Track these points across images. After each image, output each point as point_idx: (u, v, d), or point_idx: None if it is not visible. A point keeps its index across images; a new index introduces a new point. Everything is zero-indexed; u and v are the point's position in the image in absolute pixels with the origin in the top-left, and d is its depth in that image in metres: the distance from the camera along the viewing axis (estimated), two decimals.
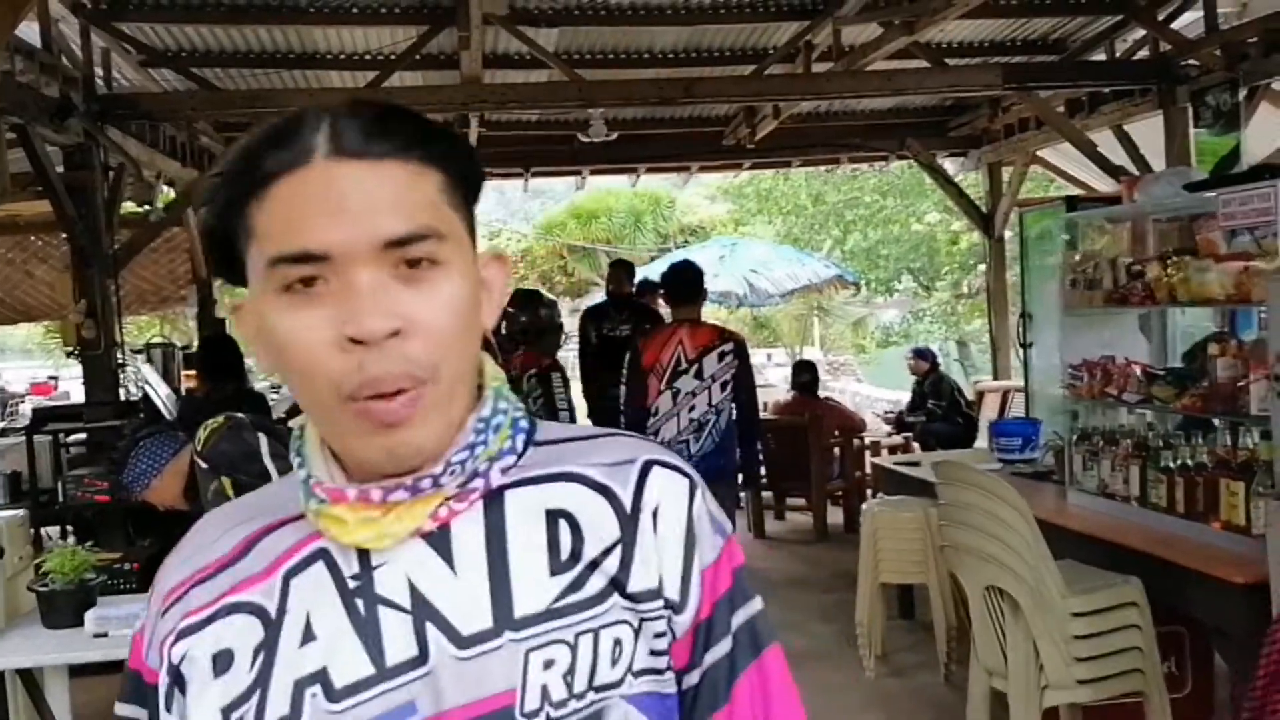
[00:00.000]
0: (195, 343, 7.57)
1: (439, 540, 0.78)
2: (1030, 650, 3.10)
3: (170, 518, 5.01)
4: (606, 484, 0.81)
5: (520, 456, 0.81)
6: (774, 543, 7.22)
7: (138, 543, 4.91)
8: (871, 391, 13.87)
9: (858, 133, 8.65)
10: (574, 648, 0.76)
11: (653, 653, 0.78)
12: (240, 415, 2.83)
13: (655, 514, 0.80)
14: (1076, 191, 8.25)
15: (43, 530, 4.80)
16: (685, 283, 4.62)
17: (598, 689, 0.76)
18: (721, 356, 4.47)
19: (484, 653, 0.75)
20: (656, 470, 0.81)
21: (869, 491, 7.72)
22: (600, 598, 0.77)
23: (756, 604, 0.83)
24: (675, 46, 6.92)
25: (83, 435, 5.38)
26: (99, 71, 5.72)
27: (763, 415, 8.08)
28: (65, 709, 3.37)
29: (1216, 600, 3.00)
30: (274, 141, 0.74)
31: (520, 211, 26.77)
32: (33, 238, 7.42)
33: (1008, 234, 8.99)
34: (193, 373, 6.37)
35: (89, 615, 3.00)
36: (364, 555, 0.78)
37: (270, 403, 6.03)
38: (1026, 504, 3.14)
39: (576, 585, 0.77)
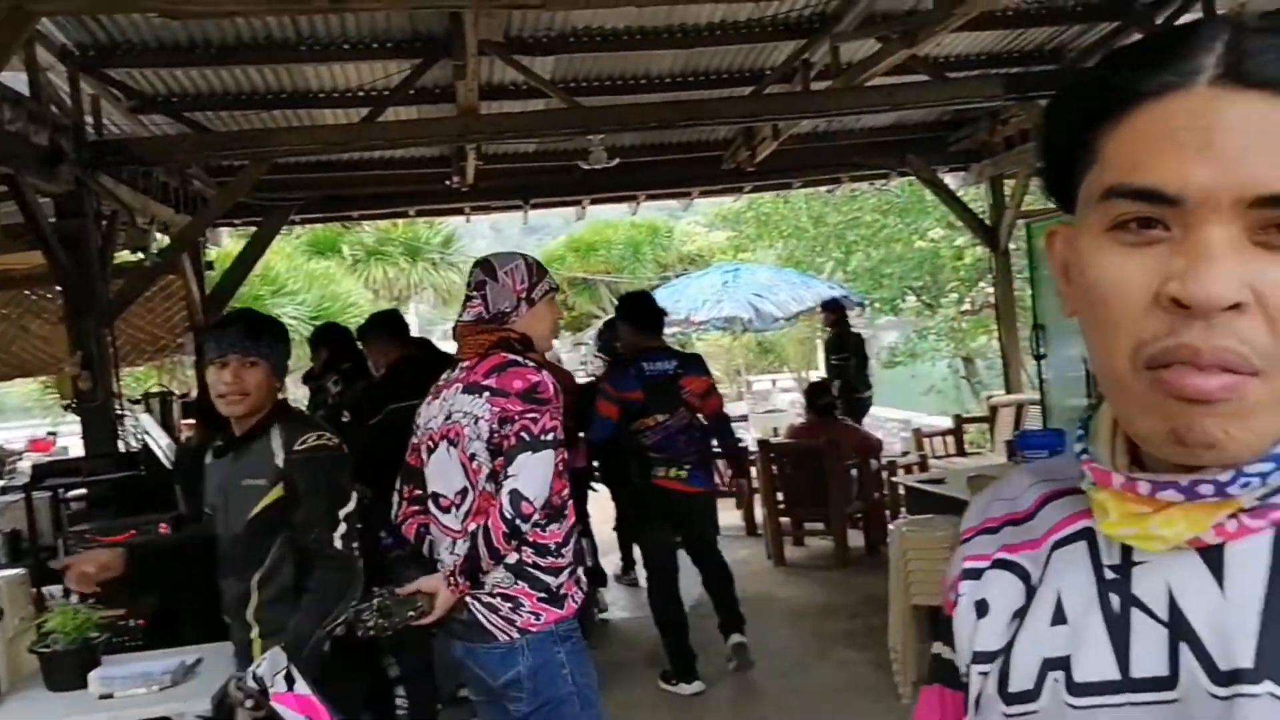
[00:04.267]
0: (194, 391, 7.45)
1: (1213, 554, 0.66)
2: None
3: (177, 571, 4.87)
4: None
5: None
6: (794, 570, 7.06)
7: (143, 598, 4.75)
8: (879, 411, 13.72)
9: (857, 151, 8.57)
10: None
11: None
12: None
13: None
14: None
15: (45, 589, 4.65)
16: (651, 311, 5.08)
17: None
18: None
19: (1238, 695, 0.62)
20: None
21: (888, 513, 7.59)
22: None
23: None
24: (672, 70, 6.84)
25: (83, 490, 5.24)
26: (89, 119, 5.64)
27: (778, 439, 8.00)
28: None
29: None
30: (1154, 54, 0.63)
31: (518, 248, 26.77)
32: (27, 291, 7.31)
33: (1013, 246, 8.89)
34: (192, 421, 6.24)
35: (93, 676, 2.87)
36: (1126, 546, 0.69)
37: None
38: None
39: None
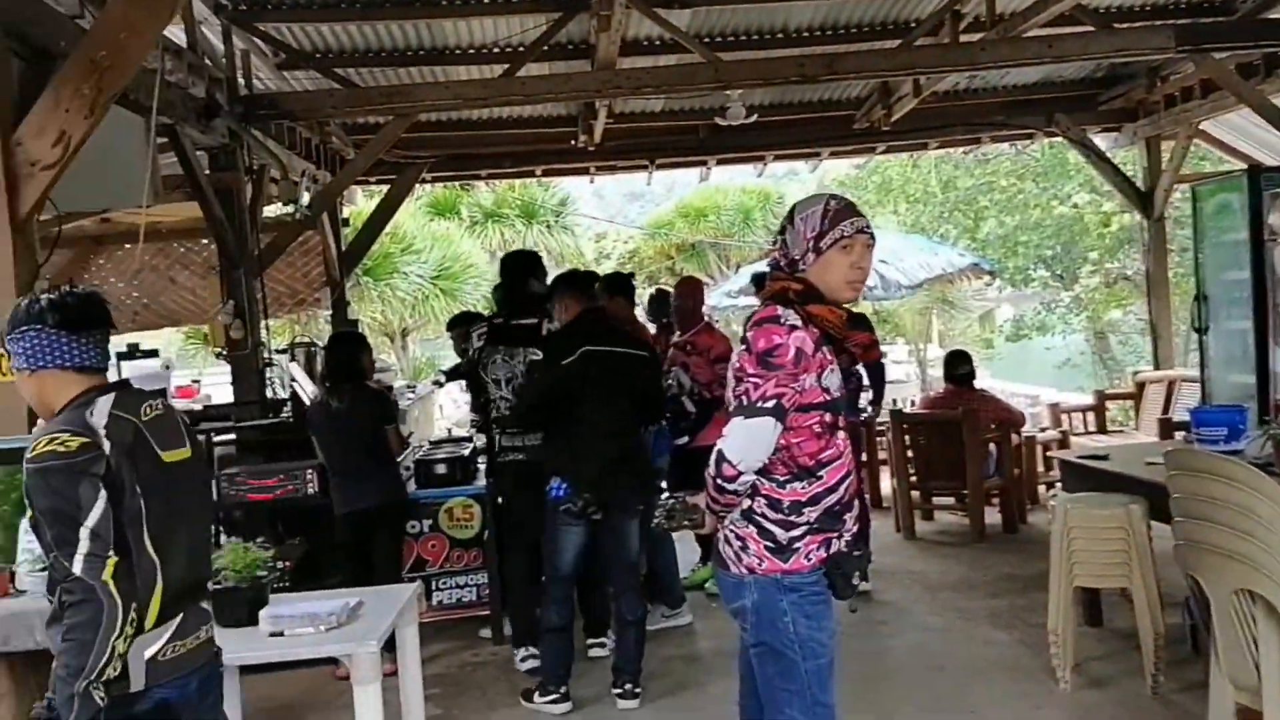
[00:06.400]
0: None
1: None
2: None
3: (319, 517, 4.91)
4: None
5: None
6: (925, 544, 6.84)
7: (287, 541, 4.86)
8: (1002, 385, 13.28)
9: (1001, 110, 8.19)
10: None
11: None
12: None
13: None
14: (1237, 166, 7.65)
15: None
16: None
17: None
18: None
19: None
20: None
21: (1024, 490, 7.28)
22: None
23: None
24: (812, 23, 6.62)
25: (232, 435, 5.38)
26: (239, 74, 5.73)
27: (912, 409, 7.74)
28: (237, 706, 3.28)
29: None
30: None
31: (619, 214, 26.65)
32: (175, 244, 7.55)
33: (1167, 214, 8.40)
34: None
35: (264, 614, 2.91)
36: None
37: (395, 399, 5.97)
38: None
39: None
